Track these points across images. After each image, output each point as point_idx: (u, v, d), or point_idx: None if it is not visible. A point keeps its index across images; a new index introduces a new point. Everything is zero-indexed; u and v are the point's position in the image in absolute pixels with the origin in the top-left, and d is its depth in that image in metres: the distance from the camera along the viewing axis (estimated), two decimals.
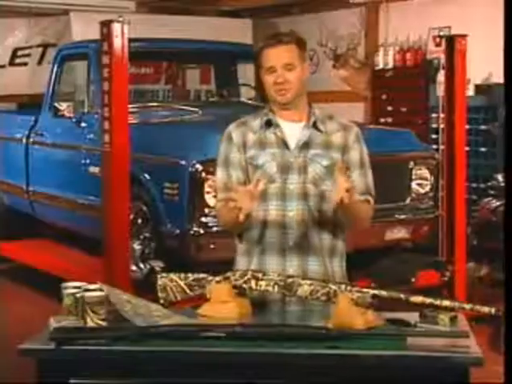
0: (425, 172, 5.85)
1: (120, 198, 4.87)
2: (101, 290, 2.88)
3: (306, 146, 3.04)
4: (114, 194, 4.88)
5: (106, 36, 4.83)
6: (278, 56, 2.99)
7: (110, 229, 4.92)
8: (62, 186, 6.58)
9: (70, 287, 2.93)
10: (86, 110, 6.36)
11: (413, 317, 2.82)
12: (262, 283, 2.91)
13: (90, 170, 6.09)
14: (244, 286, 2.93)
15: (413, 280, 5.82)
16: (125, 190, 4.88)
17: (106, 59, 4.85)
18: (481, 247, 6.27)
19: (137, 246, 5.53)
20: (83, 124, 6.33)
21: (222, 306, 2.93)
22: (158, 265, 4.99)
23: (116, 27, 4.81)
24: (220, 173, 3.14)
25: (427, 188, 5.92)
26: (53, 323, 2.80)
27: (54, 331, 2.66)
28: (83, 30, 9.02)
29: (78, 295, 2.85)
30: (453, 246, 5.95)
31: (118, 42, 4.80)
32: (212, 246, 5.07)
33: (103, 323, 2.78)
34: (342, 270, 3.16)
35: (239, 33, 9.66)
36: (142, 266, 5.50)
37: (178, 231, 5.21)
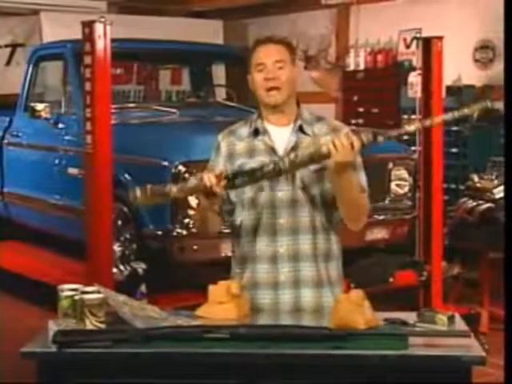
0: (403, 173, 5.90)
1: (103, 200, 4.82)
2: (98, 292, 2.87)
3: (293, 150, 2.99)
4: (96, 195, 4.83)
5: (88, 36, 4.79)
6: (268, 53, 3.00)
7: (92, 231, 4.88)
8: (38, 188, 6.53)
9: (67, 289, 2.91)
10: (62, 111, 6.31)
11: (410, 316, 2.85)
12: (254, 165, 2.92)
13: (68, 172, 6.06)
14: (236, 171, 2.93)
15: (391, 280, 5.86)
16: (108, 192, 4.83)
17: (88, 60, 4.80)
18: (454, 247, 6.32)
19: (117, 248, 5.49)
20: (61, 125, 6.30)
21: (219, 306, 2.93)
22: (140, 266, 4.94)
23: (98, 27, 4.77)
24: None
25: (406, 189, 5.97)
26: (52, 326, 2.78)
27: (55, 334, 2.64)
28: (53, 30, 8.98)
29: (76, 297, 2.84)
30: (429, 246, 6.01)
31: (100, 43, 4.76)
32: (195, 248, 5.07)
33: (102, 326, 2.77)
34: (339, 272, 3.15)
35: (210, 34, 9.67)
36: (122, 267, 5.47)
37: (160, 232, 5.20)
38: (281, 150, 3.02)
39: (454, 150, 8.09)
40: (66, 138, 6.22)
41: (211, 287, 2.98)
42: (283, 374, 2.59)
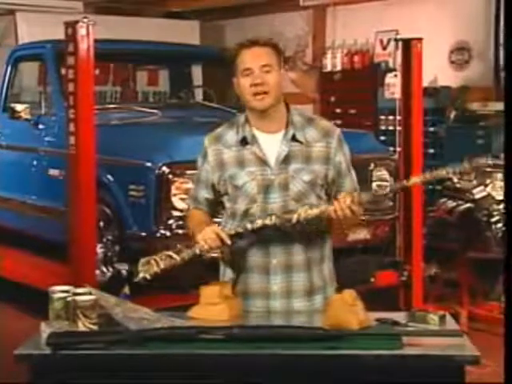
0: (384, 173, 5.89)
1: (86, 202, 4.80)
2: (90, 293, 2.86)
3: (286, 160, 2.97)
4: (80, 197, 4.81)
5: (71, 37, 4.76)
6: (254, 57, 2.92)
7: (75, 232, 4.85)
8: (17, 189, 6.49)
9: (58, 291, 2.89)
10: (42, 112, 6.26)
11: (401, 316, 2.87)
12: (259, 221, 2.91)
13: (49, 173, 6.02)
14: (239, 230, 2.92)
15: (372, 280, 5.88)
16: (91, 194, 4.81)
17: (71, 60, 4.78)
18: (431, 247, 6.35)
19: (99, 250, 5.45)
20: (41, 126, 6.25)
21: (212, 307, 2.93)
22: (123, 268, 4.93)
23: (82, 28, 4.75)
24: (193, 185, 3.19)
25: (387, 189, 5.97)
26: (45, 328, 2.77)
27: (49, 336, 2.62)
28: (29, 30, 8.94)
29: (68, 299, 2.82)
30: (410, 246, 6.05)
31: (83, 43, 4.74)
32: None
33: (95, 327, 2.76)
34: (330, 270, 3.17)
35: (187, 35, 9.66)
36: (104, 269, 5.43)
37: (144, 234, 5.17)
38: (272, 160, 2.97)
39: (430, 150, 8.15)
40: (46, 139, 6.18)
41: (203, 288, 2.98)
42: (279, 375, 2.59)
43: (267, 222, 2.90)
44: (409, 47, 6.05)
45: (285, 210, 2.95)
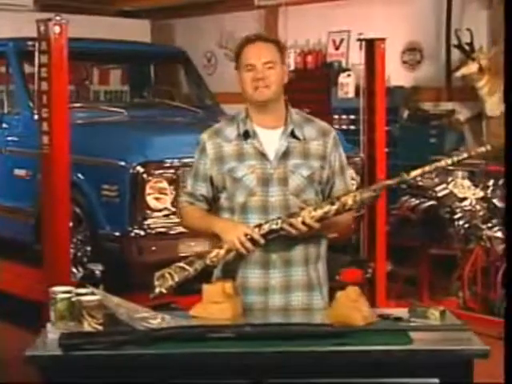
0: (351, 172, 5.93)
1: (60, 202, 4.73)
2: (93, 293, 2.84)
3: (285, 155, 3.01)
4: (53, 197, 4.74)
5: (44, 35, 4.70)
6: (258, 53, 2.98)
7: (49, 233, 4.78)
8: None
9: (60, 292, 2.86)
10: (5, 111, 6.16)
11: (402, 313, 2.91)
12: (265, 226, 2.92)
13: (14, 173, 5.91)
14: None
15: (337, 278, 5.93)
16: (65, 194, 4.74)
17: (44, 59, 4.71)
18: (394, 244, 6.43)
19: None
20: (4, 125, 6.14)
21: (214, 306, 2.92)
22: (97, 268, 4.89)
23: (55, 26, 4.69)
24: (189, 181, 3.16)
25: (354, 188, 6.02)
26: (50, 329, 2.74)
27: (61, 337, 2.60)
28: None
29: (73, 299, 2.80)
30: (374, 244, 6.13)
31: (57, 41, 4.68)
32: (153, 248, 5.03)
33: (100, 327, 2.74)
34: (325, 273, 3.20)
35: (138, 33, 9.57)
36: (74, 270, 5.36)
37: (118, 233, 5.13)
38: (272, 154, 3.01)
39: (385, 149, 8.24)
40: (10, 138, 6.08)
41: (206, 287, 2.97)
42: (289, 372, 2.61)
43: (274, 226, 2.92)
44: (372, 47, 6.13)
45: (285, 204, 2.99)
